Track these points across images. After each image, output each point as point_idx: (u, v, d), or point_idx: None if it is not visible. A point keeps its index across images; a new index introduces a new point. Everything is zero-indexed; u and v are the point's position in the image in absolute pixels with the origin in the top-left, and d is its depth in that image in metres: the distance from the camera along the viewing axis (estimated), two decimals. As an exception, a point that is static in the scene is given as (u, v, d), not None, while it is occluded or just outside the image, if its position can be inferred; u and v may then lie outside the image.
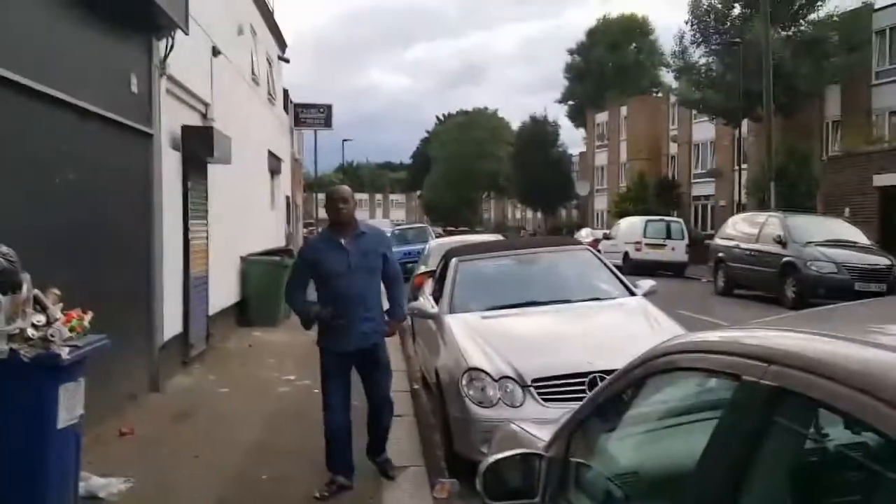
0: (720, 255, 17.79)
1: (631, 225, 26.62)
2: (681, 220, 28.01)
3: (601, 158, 49.76)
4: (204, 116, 10.20)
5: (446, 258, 7.34)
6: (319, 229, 18.47)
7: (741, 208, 25.94)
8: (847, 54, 25.28)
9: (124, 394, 6.94)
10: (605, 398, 2.10)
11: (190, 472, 5.32)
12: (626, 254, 25.48)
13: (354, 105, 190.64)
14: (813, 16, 26.50)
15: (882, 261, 14.37)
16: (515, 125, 62.94)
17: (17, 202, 4.80)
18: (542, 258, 7.19)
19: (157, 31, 7.71)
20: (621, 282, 6.60)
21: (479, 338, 5.50)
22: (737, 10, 27.05)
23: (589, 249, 7.39)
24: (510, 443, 2.83)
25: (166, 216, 8.09)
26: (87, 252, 5.93)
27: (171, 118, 8.50)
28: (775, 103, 22.24)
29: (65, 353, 3.63)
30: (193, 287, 9.31)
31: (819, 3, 26.14)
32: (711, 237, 21.39)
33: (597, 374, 4.67)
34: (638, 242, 25.19)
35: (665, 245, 24.99)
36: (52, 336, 3.64)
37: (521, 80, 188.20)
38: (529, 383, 4.91)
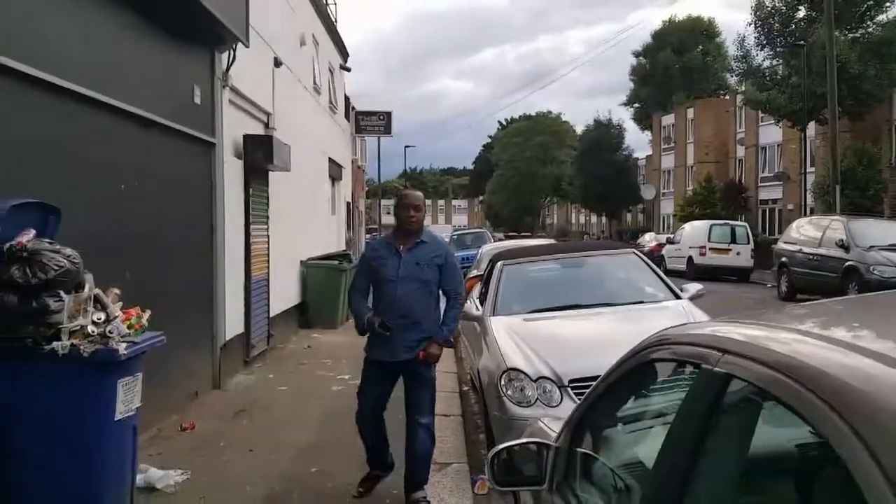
0: (783, 259, 17.43)
1: (695, 229, 26.26)
2: (746, 224, 27.49)
3: (667, 161, 49.03)
4: (266, 125, 10.59)
5: (492, 262, 7.47)
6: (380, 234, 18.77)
7: (809, 212, 25.29)
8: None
9: (187, 391, 7.29)
10: (601, 391, 2.22)
11: (244, 466, 5.57)
12: (689, 258, 25.16)
13: (419, 111, 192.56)
14: (881, 17, 25.74)
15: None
16: (580, 129, 62.61)
17: (88, 208, 5.13)
18: (587, 261, 7.25)
19: (219, 45, 8.09)
20: (666, 285, 6.61)
21: (520, 339, 5.61)
22: (802, 12, 26.42)
23: (635, 252, 7.40)
24: (536, 436, 2.96)
25: (228, 221, 8.44)
26: (152, 255, 6.28)
27: (234, 127, 8.87)
28: (842, 106, 21.64)
29: (122, 348, 3.89)
30: (254, 289, 9.68)
31: (887, 4, 25.36)
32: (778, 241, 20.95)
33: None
34: (702, 247, 24.83)
35: (730, 249, 24.56)
36: (110, 333, 3.91)
37: (586, 84, 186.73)
38: (567, 384, 5.00)
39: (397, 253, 4.75)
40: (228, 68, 8.35)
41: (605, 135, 53.76)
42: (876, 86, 24.70)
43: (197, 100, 7.54)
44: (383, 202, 43.81)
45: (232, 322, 8.63)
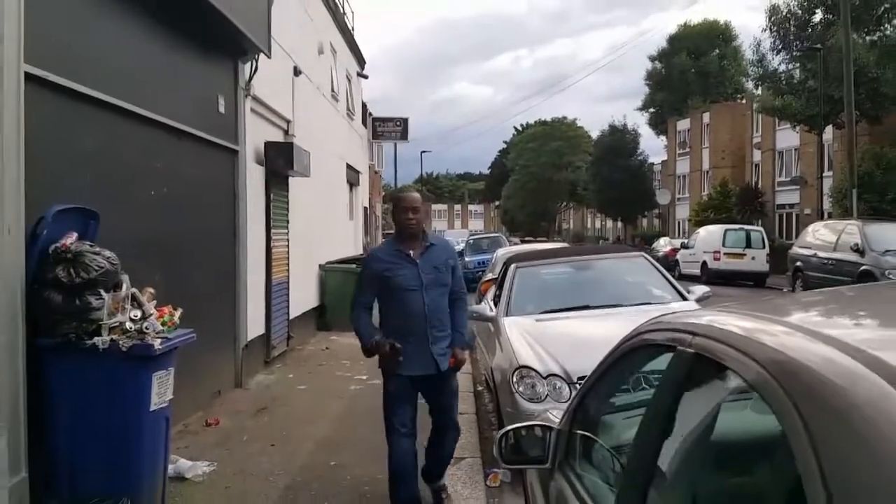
0: (798, 263, 17.52)
1: (709, 234, 26.29)
2: (761, 228, 27.47)
3: (683, 166, 49.00)
4: (286, 132, 10.90)
5: (506, 265, 7.72)
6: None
7: (827, 217, 25.27)
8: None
9: (211, 389, 7.58)
10: (596, 377, 2.46)
11: (266, 459, 5.85)
12: (704, 263, 25.20)
13: (436, 117, 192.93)
14: (898, 20, 25.62)
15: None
16: (596, 134, 62.69)
17: (120, 213, 5.41)
18: (597, 264, 7.48)
19: (242, 56, 8.40)
20: (674, 287, 6.82)
21: (532, 338, 5.84)
22: (818, 16, 26.41)
23: (644, 256, 7.61)
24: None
25: (250, 225, 8.74)
26: (179, 258, 6.56)
27: (255, 135, 9.18)
28: (859, 109, 21.61)
29: (157, 343, 4.18)
30: (275, 292, 9.98)
31: (905, 7, 25.27)
32: (794, 246, 21.00)
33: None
34: (716, 252, 24.86)
35: (745, 254, 24.58)
36: (146, 329, 4.20)
37: (602, 89, 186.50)
38: (576, 380, 5.22)
39: (410, 260, 4.45)
40: (251, 78, 8.66)
41: (620, 140, 53.83)
42: (894, 89, 24.61)
43: (221, 109, 7.84)
44: (400, 207, 43.85)
45: (253, 323, 8.92)
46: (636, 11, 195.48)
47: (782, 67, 27.38)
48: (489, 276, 11.66)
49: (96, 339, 4.08)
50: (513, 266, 7.38)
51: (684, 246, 28.00)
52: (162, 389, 4.38)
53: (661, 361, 1.87)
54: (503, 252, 13.34)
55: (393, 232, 4.74)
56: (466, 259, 22.11)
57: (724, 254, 24.61)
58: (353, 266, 13.74)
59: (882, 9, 25.03)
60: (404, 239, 4.53)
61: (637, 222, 59.32)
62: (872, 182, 23.45)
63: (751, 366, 1.36)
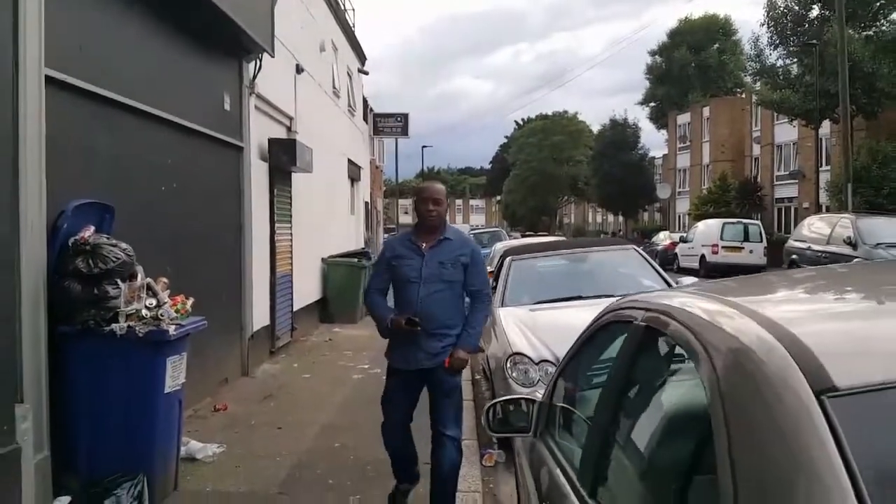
0: (794, 256, 17.76)
1: (707, 227, 26.53)
2: (759, 222, 27.72)
3: (683, 160, 49.24)
4: (288, 129, 11.16)
5: (503, 257, 7.99)
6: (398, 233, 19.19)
7: (824, 210, 25.51)
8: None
9: (219, 378, 7.86)
10: (572, 353, 2.73)
11: (274, 441, 6.14)
12: (702, 256, 25.44)
13: (437, 112, 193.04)
14: (894, 15, 25.81)
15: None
16: (597, 128, 62.87)
17: (133, 207, 5.69)
18: (590, 257, 7.76)
19: (246, 55, 8.66)
20: (663, 278, 7.09)
21: (525, 327, 6.12)
22: (815, 11, 26.65)
23: (635, 249, 7.88)
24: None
25: (255, 220, 9.01)
26: (188, 251, 6.83)
27: (259, 132, 9.45)
28: (856, 104, 21.81)
29: (171, 329, 4.46)
30: (279, 284, 10.26)
31: (901, 2, 25.50)
32: (793, 240, 21.22)
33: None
34: (714, 245, 25.11)
35: (742, 248, 24.83)
36: (161, 316, 4.48)
37: (603, 83, 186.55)
38: (566, 366, 5.49)
39: (419, 251, 4.36)
40: (255, 77, 8.92)
41: (620, 134, 54.07)
42: (890, 84, 24.83)
43: (227, 107, 8.11)
44: (401, 202, 44.39)
45: (259, 315, 9.20)
46: (636, 6, 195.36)
47: (780, 62, 27.62)
48: (487, 269, 11.93)
49: (114, 326, 4.36)
50: (508, 259, 7.65)
51: (683, 240, 28.26)
52: (175, 373, 4.66)
53: (621, 336, 2.14)
54: (500, 246, 13.62)
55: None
56: None
57: (722, 247, 24.85)
58: (355, 260, 14.05)
59: (878, 4, 25.24)
60: (422, 231, 4.43)
61: (638, 216, 59.55)
62: (869, 176, 23.68)
63: (686, 335, 1.62)
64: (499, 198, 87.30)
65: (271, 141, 10.01)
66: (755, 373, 1.30)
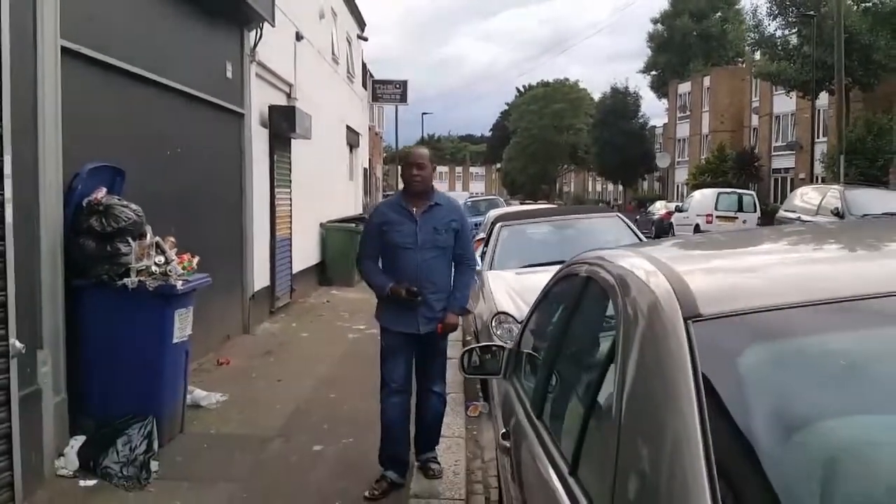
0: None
1: (703, 197, 26.74)
2: (753, 192, 27.97)
3: (683, 130, 49.33)
4: (288, 96, 11.43)
5: (493, 224, 8.34)
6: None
7: (819, 181, 25.78)
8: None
9: (221, 334, 8.25)
10: (535, 304, 3.10)
11: (274, 392, 6.55)
12: (696, 226, 25.71)
13: (438, 78, 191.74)
14: (892, -12, 25.83)
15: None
16: (598, 96, 62.76)
17: (142, 171, 6.00)
18: (575, 223, 8.11)
19: (247, 24, 8.92)
20: (641, 241, 7.45)
21: (511, 289, 6.49)
22: (814, -17, 26.64)
23: (618, 216, 8.24)
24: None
25: (256, 185, 9.34)
26: (192, 213, 7.15)
27: (260, 99, 9.74)
28: (852, 76, 21.96)
29: (179, 284, 4.84)
30: (279, 247, 10.63)
31: (900, -25, 25.48)
32: (788, 211, 21.50)
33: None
34: (709, 215, 25.34)
35: (736, 218, 25.06)
36: (169, 272, 4.85)
37: (607, 49, 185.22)
38: (547, 324, 5.88)
39: (411, 217, 4.41)
40: (255, 45, 9.19)
41: (621, 102, 54.04)
42: (887, 56, 24.95)
43: (229, 75, 8.39)
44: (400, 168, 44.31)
45: (259, 276, 9.58)
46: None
47: (779, 33, 27.67)
48: (480, 235, 12.29)
49: (126, 280, 4.72)
50: (498, 225, 8.00)
51: (679, 209, 28.51)
52: (182, 325, 5.05)
53: (570, 287, 2.50)
54: (494, 213, 13.95)
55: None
56: None
57: (716, 217, 25.11)
58: (353, 225, 14.37)
59: (877, -24, 25.25)
60: (410, 195, 4.48)
61: (638, 185, 59.72)
62: (864, 148, 23.90)
63: (609, 279, 1.99)
64: (499, 165, 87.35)
65: (271, 108, 10.30)
66: (642, 302, 1.67)
